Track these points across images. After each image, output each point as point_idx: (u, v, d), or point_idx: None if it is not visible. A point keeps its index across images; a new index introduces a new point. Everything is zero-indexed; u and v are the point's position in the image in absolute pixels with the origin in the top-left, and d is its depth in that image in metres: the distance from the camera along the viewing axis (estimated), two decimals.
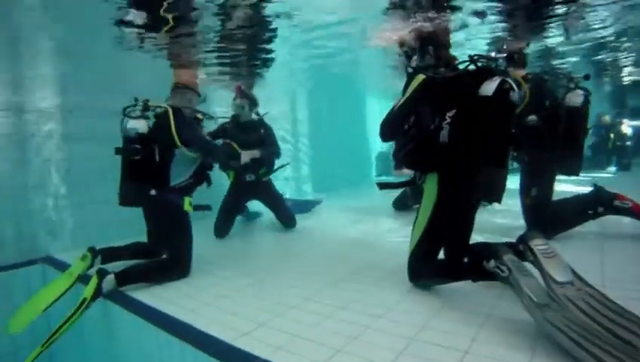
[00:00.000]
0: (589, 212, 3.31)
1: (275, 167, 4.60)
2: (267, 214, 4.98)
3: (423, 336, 1.91)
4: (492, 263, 2.01)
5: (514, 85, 2.15)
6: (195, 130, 3.14)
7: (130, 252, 3.20)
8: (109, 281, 2.67)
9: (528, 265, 2.02)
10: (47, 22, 3.48)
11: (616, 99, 9.98)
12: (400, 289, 2.52)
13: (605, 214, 3.31)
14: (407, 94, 2.41)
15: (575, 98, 3.19)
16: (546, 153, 3.25)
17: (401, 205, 5.37)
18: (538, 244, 2.14)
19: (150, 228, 3.21)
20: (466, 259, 2.26)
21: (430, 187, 2.43)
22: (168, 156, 2.98)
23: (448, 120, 2.26)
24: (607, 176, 7.39)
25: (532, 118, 3.16)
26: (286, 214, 4.58)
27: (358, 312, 2.24)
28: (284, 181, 6.72)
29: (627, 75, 8.73)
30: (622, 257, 2.82)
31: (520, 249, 2.19)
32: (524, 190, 3.42)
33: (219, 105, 5.26)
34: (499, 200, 2.50)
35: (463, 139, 2.23)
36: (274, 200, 4.57)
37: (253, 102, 4.49)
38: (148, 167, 2.89)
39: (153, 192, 2.93)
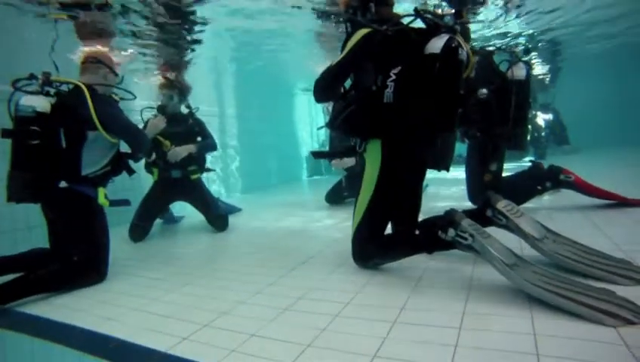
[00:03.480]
0: (538, 187, 3.37)
1: (206, 165, 4.11)
2: (194, 216, 4.40)
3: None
4: (451, 232, 1.90)
5: (462, 43, 2.02)
6: (119, 110, 2.59)
7: (27, 261, 2.50)
8: None
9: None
10: None
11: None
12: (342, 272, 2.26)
13: (552, 189, 3.39)
14: (347, 49, 2.18)
15: (519, 71, 3.20)
16: (498, 127, 3.19)
17: (334, 198, 5.04)
18: (505, 206, 2.13)
19: (55, 227, 2.56)
20: (417, 232, 2.11)
21: (373, 154, 2.23)
22: (78, 141, 2.41)
23: (393, 77, 2.06)
24: (525, 165, 7.75)
25: (483, 91, 3.08)
26: (217, 214, 3.94)
27: (316, 301, 1.92)
28: (210, 181, 6.19)
29: (537, 74, 9.53)
30: (571, 224, 2.86)
31: (488, 215, 2.15)
32: (479, 166, 3.32)
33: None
34: (447, 168, 2.34)
35: (409, 99, 2.04)
36: (203, 200, 3.97)
37: (183, 93, 3.97)
38: (50, 154, 2.31)
39: (64, 184, 2.36)
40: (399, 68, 2.07)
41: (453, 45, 1.96)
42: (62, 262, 2.38)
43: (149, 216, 3.82)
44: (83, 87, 2.36)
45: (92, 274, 2.40)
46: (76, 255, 2.42)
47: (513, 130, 3.30)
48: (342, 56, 2.21)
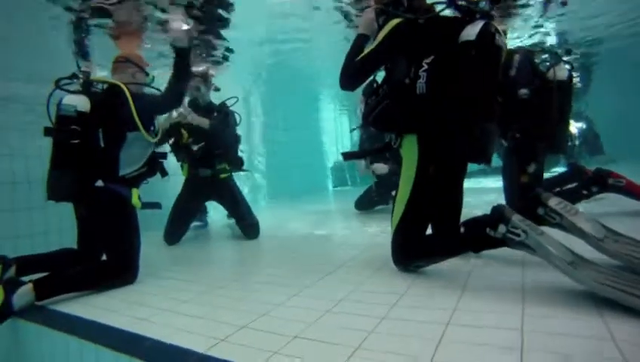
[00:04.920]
0: (584, 192, 3.20)
1: (238, 166, 3.91)
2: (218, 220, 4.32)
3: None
4: (501, 228, 1.75)
5: (499, 29, 1.92)
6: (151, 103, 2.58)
7: (55, 260, 2.47)
8: (25, 293, 1.99)
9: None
10: None
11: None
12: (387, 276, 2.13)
13: (599, 193, 3.22)
14: (378, 39, 2.09)
15: (561, 72, 3.07)
16: (538, 128, 3.04)
17: (363, 204, 4.91)
18: (558, 203, 1.99)
19: (86, 227, 2.53)
20: (462, 230, 1.98)
21: (409, 150, 2.12)
22: (117, 141, 2.40)
23: (425, 67, 1.97)
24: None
25: (524, 91, 2.94)
26: (248, 221, 3.76)
27: (358, 303, 1.79)
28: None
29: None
30: (623, 229, 2.62)
31: (539, 213, 2.01)
32: (518, 167, 3.15)
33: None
34: (488, 161, 2.18)
35: (444, 89, 1.94)
36: (235, 203, 3.79)
37: (207, 80, 3.81)
38: (91, 153, 2.31)
39: (100, 183, 2.34)
40: (432, 57, 1.98)
41: (490, 30, 1.87)
42: (93, 262, 2.33)
43: (183, 219, 3.73)
44: (123, 87, 2.36)
45: (123, 274, 2.34)
46: (108, 255, 2.38)
47: (554, 132, 3.15)
48: (373, 45, 2.13)
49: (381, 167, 4.43)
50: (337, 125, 10.76)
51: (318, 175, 9.44)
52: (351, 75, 2.22)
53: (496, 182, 4.78)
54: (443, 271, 2.12)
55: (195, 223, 4.39)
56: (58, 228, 3.09)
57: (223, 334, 1.57)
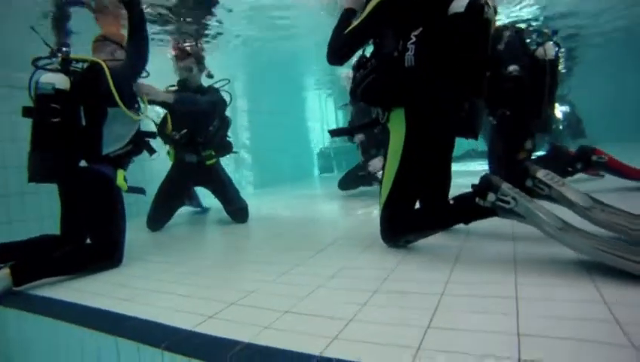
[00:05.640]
0: (569, 169, 3.22)
1: (226, 151, 3.81)
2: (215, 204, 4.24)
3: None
4: (491, 196, 1.75)
5: (489, 2, 1.89)
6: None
7: (35, 247, 2.37)
8: (1, 279, 1.91)
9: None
10: None
11: None
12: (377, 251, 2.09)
13: (582, 170, 3.25)
14: (366, 12, 2.06)
15: (550, 50, 3.06)
16: (528, 106, 3.04)
17: (347, 183, 4.89)
18: (546, 175, 1.99)
19: (69, 210, 2.44)
20: (452, 202, 1.98)
21: (397, 124, 2.10)
22: (98, 118, 2.32)
23: (413, 39, 1.94)
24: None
25: (514, 67, 2.94)
26: (237, 205, 3.61)
27: (350, 279, 1.77)
28: None
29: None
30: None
31: (527, 185, 2.00)
32: (508, 146, 3.15)
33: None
34: (476, 136, 2.19)
35: (432, 62, 1.91)
36: (222, 188, 3.68)
37: (200, 61, 3.65)
38: (72, 132, 2.23)
39: (84, 163, 2.28)
40: (420, 29, 1.94)
41: (480, 2, 1.84)
42: (77, 245, 2.26)
43: (167, 204, 3.62)
44: (103, 63, 2.28)
45: (108, 257, 2.27)
46: (92, 237, 2.31)
47: (542, 112, 3.16)
48: (360, 19, 2.09)
49: (376, 162, 4.36)
50: (323, 111, 10.68)
51: (304, 161, 9.38)
52: (339, 49, 2.18)
53: (483, 166, 4.80)
54: (433, 246, 2.10)
55: (194, 209, 4.36)
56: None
57: (211, 311, 1.52)
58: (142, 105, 2.57)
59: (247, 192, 6.26)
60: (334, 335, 1.21)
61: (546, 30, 3.23)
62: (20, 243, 2.37)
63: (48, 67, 2.28)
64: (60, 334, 1.64)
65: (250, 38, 5.15)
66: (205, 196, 4.34)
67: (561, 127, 8.14)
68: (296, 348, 1.15)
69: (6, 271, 1.93)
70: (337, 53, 2.18)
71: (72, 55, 2.38)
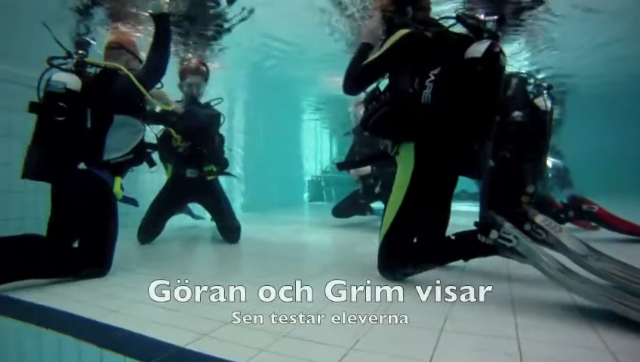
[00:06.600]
0: (561, 215, 3.27)
1: (224, 167, 3.77)
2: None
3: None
4: (493, 234, 1.79)
5: (503, 50, 1.97)
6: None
7: (17, 244, 2.17)
8: None
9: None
10: None
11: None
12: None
13: (574, 218, 3.30)
14: (386, 46, 2.12)
15: (547, 102, 3.17)
16: (528, 152, 3.11)
17: (341, 210, 4.85)
18: (544, 220, 2.04)
19: (59, 211, 2.33)
20: (453, 237, 2.00)
21: (405, 158, 2.13)
22: (103, 123, 2.29)
23: (432, 77, 2.00)
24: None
25: (518, 113, 3.01)
26: (230, 226, 3.55)
27: (341, 307, 1.72)
28: None
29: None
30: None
31: (526, 229, 2.03)
32: (507, 189, 3.19)
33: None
34: (480, 176, 2.25)
35: (449, 101, 1.97)
36: (217, 205, 3.64)
37: (207, 79, 3.67)
38: (74, 133, 2.20)
39: (83, 166, 2.23)
40: (438, 69, 2.01)
41: (495, 50, 1.91)
42: (64, 248, 2.18)
43: (160, 218, 3.54)
44: (124, 69, 2.29)
45: (96, 264, 2.19)
46: (81, 242, 2.24)
47: (540, 159, 3.24)
48: (380, 52, 2.15)
49: (363, 168, 4.39)
50: (318, 140, 10.77)
51: (295, 188, 9.37)
52: (355, 80, 2.24)
53: (472, 207, 4.89)
54: (430, 280, 2.08)
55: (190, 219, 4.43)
56: None
57: (205, 329, 1.47)
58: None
59: (236, 214, 6.18)
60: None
61: (543, 83, 3.34)
62: (6, 239, 2.25)
63: (62, 67, 2.27)
64: (40, 340, 1.55)
65: (251, 59, 5.23)
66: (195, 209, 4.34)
67: (550, 176, 8.32)
68: None
69: None
70: (353, 83, 2.25)
71: (88, 59, 2.38)
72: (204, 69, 3.67)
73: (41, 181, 2.24)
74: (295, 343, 1.34)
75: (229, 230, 3.54)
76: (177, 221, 3.80)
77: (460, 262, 2.05)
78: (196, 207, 4.27)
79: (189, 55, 4.50)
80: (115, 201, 2.36)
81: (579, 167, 9.34)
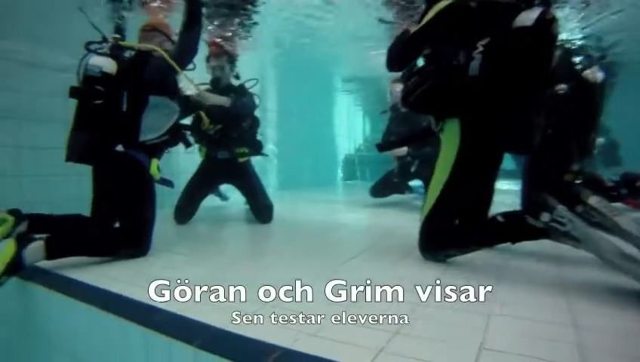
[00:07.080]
0: (613, 193, 3.09)
1: (257, 149, 3.76)
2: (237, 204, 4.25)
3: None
4: (545, 216, 1.65)
5: (556, 17, 1.81)
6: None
7: (67, 223, 2.39)
8: (36, 250, 1.89)
9: None
10: None
11: None
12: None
13: (628, 196, 3.12)
14: (430, 16, 2.00)
15: (597, 74, 2.95)
16: (573, 126, 2.91)
17: (379, 189, 4.75)
18: (597, 201, 1.91)
19: (101, 193, 2.44)
20: (500, 219, 1.88)
21: (450, 135, 2.03)
22: (139, 105, 2.30)
23: (480, 49, 1.87)
24: None
25: (563, 86, 2.82)
26: (262, 205, 3.56)
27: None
28: None
29: None
30: None
31: (579, 211, 1.89)
32: (550, 166, 3.01)
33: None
34: (529, 151, 2.09)
35: (498, 73, 1.83)
36: (250, 185, 3.65)
37: (232, 60, 3.63)
38: (112, 116, 2.24)
39: (120, 148, 2.27)
40: (487, 40, 1.87)
41: (548, 17, 1.75)
42: (106, 229, 2.25)
43: (195, 198, 3.61)
44: (159, 49, 2.30)
45: (136, 244, 2.24)
46: (122, 223, 2.30)
47: (588, 135, 3.05)
48: (420, 26, 2.04)
49: (399, 149, 4.26)
50: (351, 118, 10.64)
51: (328, 167, 9.33)
52: (398, 53, 2.16)
53: (508, 185, 4.74)
54: (475, 263, 2.01)
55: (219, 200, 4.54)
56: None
57: (244, 310, 1.46)
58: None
59: (268, 193, 6.23)
60: (381, 347, 1.13)
61: (594, 53, 3.11)
62: (54, 217, 2.38)
63: (99, 51, 2.29)
64: (87, 318, 1.60)
65: (283, 37, 5.15)
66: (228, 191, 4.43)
67: (596, 152, 7.86)
68: (341, 359, 1.07)
69: (41, 243, 1.92)
70: (397, 57, 2.17)
71: (123, 42, 2.40)
72: (227, 50, 3.64)
73: (82, 163, 2.29)
74: (339, 328, 1.31)
75: (261, 210, 3.55)
76: (206, 202, 3.85)
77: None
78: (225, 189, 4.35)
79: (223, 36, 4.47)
80: (153, 183, 2.40)
81: (627, 143, 8.82)
